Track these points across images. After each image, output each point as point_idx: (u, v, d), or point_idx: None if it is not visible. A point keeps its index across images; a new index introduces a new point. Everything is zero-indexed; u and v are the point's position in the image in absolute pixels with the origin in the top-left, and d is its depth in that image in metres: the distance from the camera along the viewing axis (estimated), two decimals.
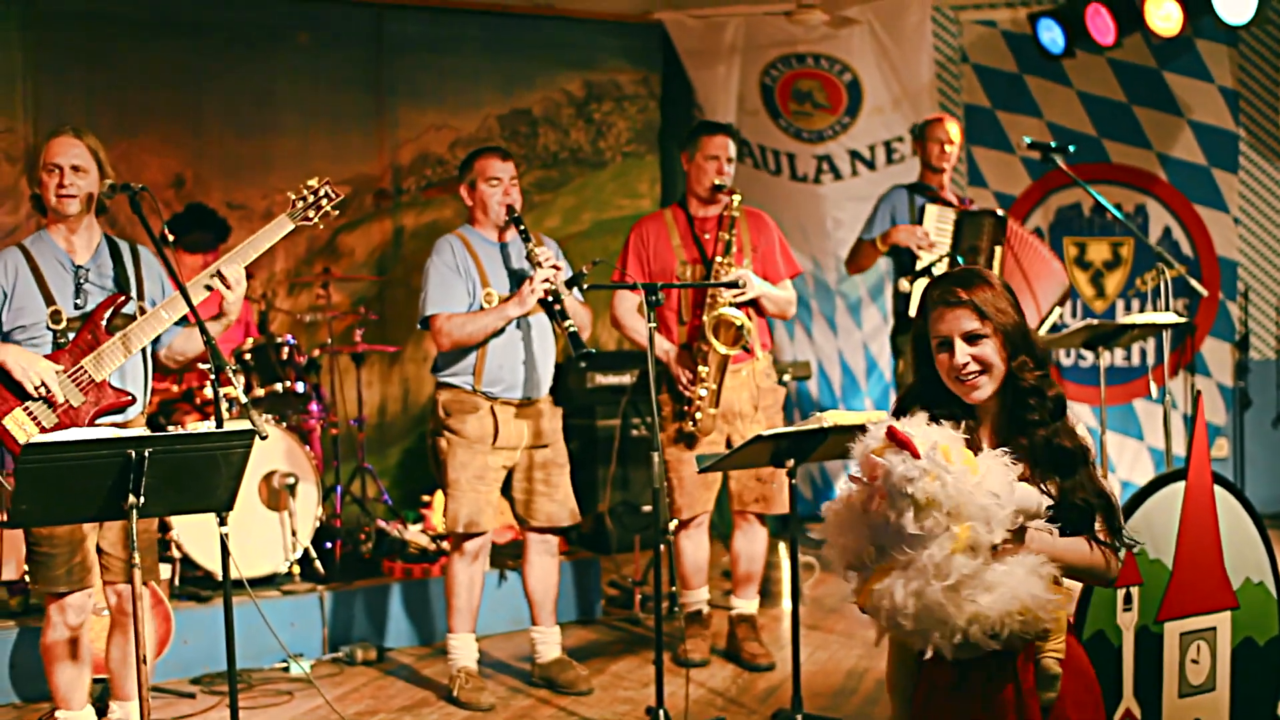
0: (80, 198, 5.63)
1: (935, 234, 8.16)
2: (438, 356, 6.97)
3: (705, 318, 7.12)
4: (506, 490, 7.00)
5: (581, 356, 6.56)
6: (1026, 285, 8.10)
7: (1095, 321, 7.62)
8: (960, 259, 7.91)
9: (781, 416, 7.56)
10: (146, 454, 4.57)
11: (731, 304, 7.10)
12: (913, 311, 8.12)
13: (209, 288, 5.56)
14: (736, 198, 7.27)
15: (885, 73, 10.61)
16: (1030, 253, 8.19)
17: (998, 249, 8.07)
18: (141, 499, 4.61)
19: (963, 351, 3.64)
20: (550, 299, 6.65)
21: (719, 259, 7.20)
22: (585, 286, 6.78)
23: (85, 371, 5.53)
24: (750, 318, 7.15)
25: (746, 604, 7.58)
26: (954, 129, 8.45)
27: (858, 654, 7.47)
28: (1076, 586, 3.88)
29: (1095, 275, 10.28)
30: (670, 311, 7.24)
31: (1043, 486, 3.57)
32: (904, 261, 8.28)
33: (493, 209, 6.92)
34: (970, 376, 3.65)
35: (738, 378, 7.31)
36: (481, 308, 6.80)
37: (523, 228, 6.82)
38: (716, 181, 7.31)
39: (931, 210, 8.24)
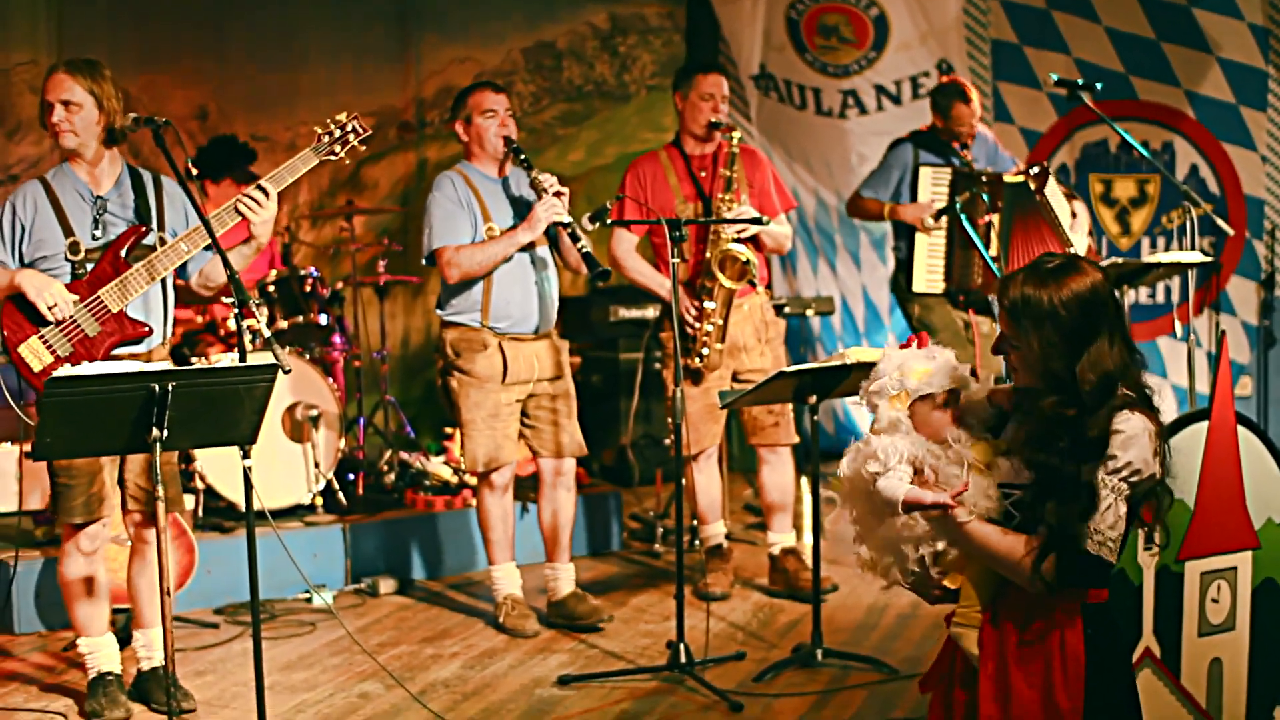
0: (75, 132, 5.64)
1: (931, 196, 8.14)
2: (441, 294, 6.97)
3: (710, 254, 7.12)
4: (521, 423, 7.02)
5: (598, 275, 6.59)
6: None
7: (1120, 260, 7.58)
8: (985, 196, 7.85)
9: (785, 348, 7.57)
10: (170, 388, 4.59)
11: (736, 239, 7.10)
12: (916, 281, 8.18)
13: (239, 211, 5.56)
14: (736, 134, 7.27)
15: (912, 7, 10.54)
16: (1032, 232, 8.08)
17: (995, 219, 7.98)
18: (165, 432, 4.63)
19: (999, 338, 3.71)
20: (562, 221, 6.65)
21: (721, 195, 7.19)
22: (610, 221, 6.77)
23: (102, 302, 5.54)
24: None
25: (785, 536, 7.59)
26: (976, 102, 8.38)
27: (877, 589, 7.47)
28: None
29: (1121, 212, 10.22)
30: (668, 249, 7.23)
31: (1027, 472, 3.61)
32: (908, 225, 8.26)
33: (489, 141, 6.89)
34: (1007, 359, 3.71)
35: (740, 312, 7.31)
36: (484, 241, 6.79)
37: (523, 156, 6.80)
38: (712, 119, 7.30)
39: (925, 174, 8.20)
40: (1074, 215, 8.12)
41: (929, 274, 8.18)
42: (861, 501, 3.76)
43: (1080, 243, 7.98)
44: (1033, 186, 7.93)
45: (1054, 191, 8.03)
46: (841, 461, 3.80)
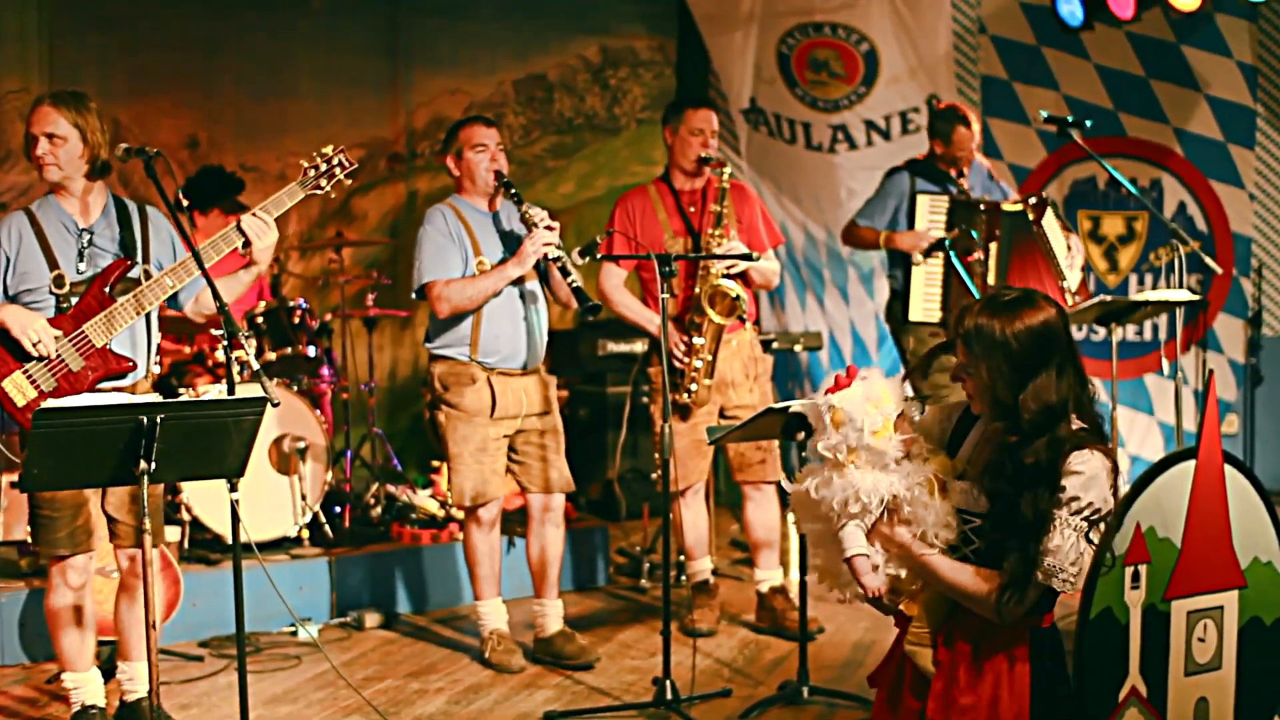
0: (58, 165, 5.64)
1: (930, 226, 8.13)
2: (430, 328, 6.97)
3: (699, 289, 7.12)
4: (509, 459, 7.00)
5: (588, 310, 6.59)
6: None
7: (1108, 298, 7.59)
8: (974, 233, 7.86)
9: (771, 384, 7.57)
10: (158, 420, 4.58)
11: (725, 275, 7.10)
12: (912, 310, 8.16)
13: (242, 231, 5.57)
14: (727, 170, 7.28)
15: (902, 43, 10.57)
16: (1030, 268, 8.08)
17: (993, 246, 7.99)
18: (153, 465, 4.63)
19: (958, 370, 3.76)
20: (552, 256, 6.66)
21: (710, 231, 7.19)
22: (600, 256, 6.77)
23: (87, 337, 5.54)
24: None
25: (772, 574, 7.57)
26: (976, 127, 8.37)
27: (864, 626, 7.47)
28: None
29: (1109, 249, 10.24)
30: (657, 284, 7.20)
31: (985, 501, 3.69)
32: (903, 253, 8.23)
33: (480, 176, 6.90)
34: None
35: (729, 348, 7.31)
36: (475, 275, 6.79)
37: (514, 191, 6.80)
38: (702, 154, 7.31)
39: (923, 201, 8.17)
40: (1069, 249, 8.12)
41: (925, 303, 8.16)
42: (820, 524, 3.85)
43: (1074, 278, 7.99)
44: (1031, 216, 7.95)
45: (1051, 223, 8.04)
46: (808, 482, 3.82)
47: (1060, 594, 3.68)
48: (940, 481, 3.75)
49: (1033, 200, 8.04)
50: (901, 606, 3.83)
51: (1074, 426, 3.68)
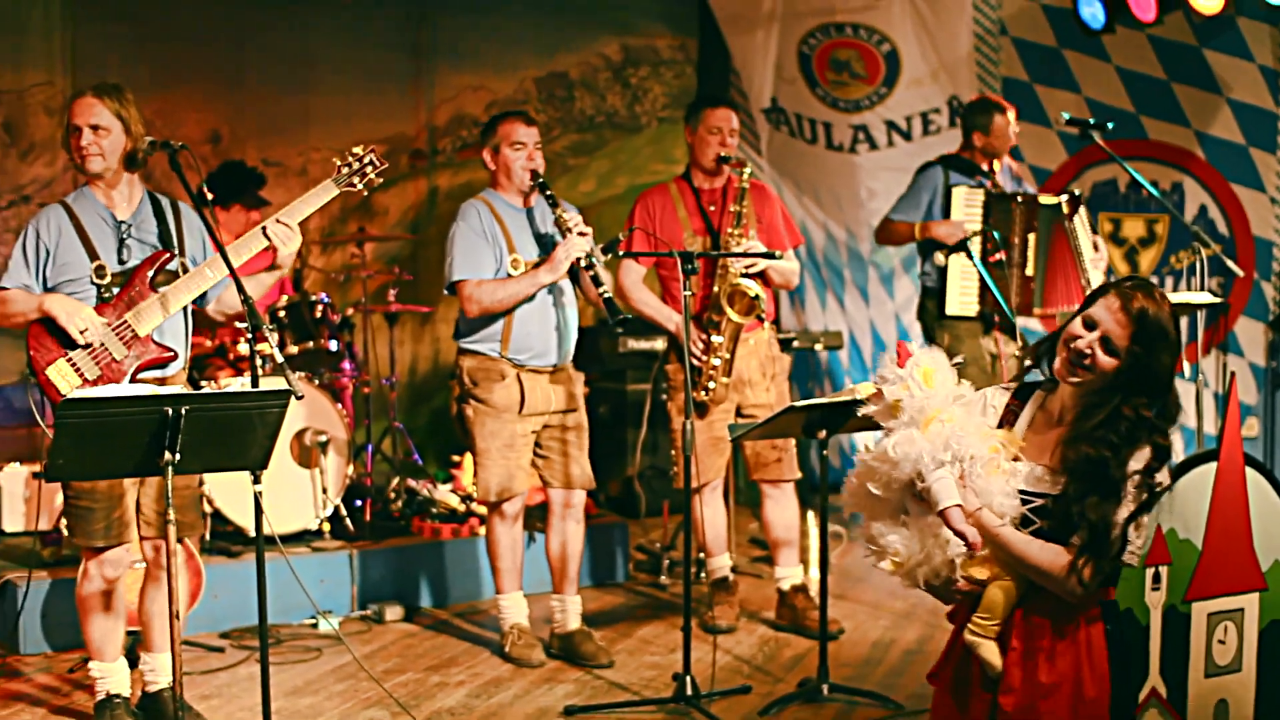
0: (102, 156, 5.67)
1: (965, 218, 8.09)
2: (459, 322, 6.97)
3: (718, 288, 7.13)
4: (533, 453, 7.02)
5: (619, 322, 6.56)
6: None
7: None
8: (996, 234, 7.86)
9: (791, 383, 7.56)
10: (184, 411, 4.62)
11: (744, 274, 7.11)
12: (949, 303, 8.10)
13: (267, 238, 5.60)
14: (748, 170, 7.28)
15: (924, 44, 10.57)
16: (1059, 263, 8.07)
17: (1031, 238, 7.98)
18: (178, 456, 4.66)
19: (1090, 342, 3.71)
20: (584, 264, 6.67)
21: (730, 230, 7.20)
22: (621, 253, 6.79)
23: (129, 326, 5.58)
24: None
25: (793, 571, 7.57)
26: (1012, 115, 8.36)
27: (884, 624, 7.49)
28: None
29: (1129, 252, 10.24)
30: (676, 282, 7.17)
31: (1051, 482, 3.70)
32: (936, 244, 8.18)
33: (516, 174, 6.90)
34: (1077, 361, 3.72)
35: (746, 346, 7.31)
36: (508, 274, 6.80)
37: (549, 193, 6.81)
38: (721, 154, 7.31)
39: (958, 193, 8.12)
40: (1096, 249, 8.12)
41: (963, 296, 8.10)
42: (891, 492, 3.80)
43: (1096, 279, 7.99)
44: (1065, 210, 7.96)
45: (1082, 221, 8.04)
46: (886, 442, 3.80)
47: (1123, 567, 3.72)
48: (1008, 452, 3.74)
49: (1066, 196, 8.04)
50: (974, 569, 3.77)
51: None
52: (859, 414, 3.95)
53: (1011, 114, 8.29)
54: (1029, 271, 7.90)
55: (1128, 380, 3.66)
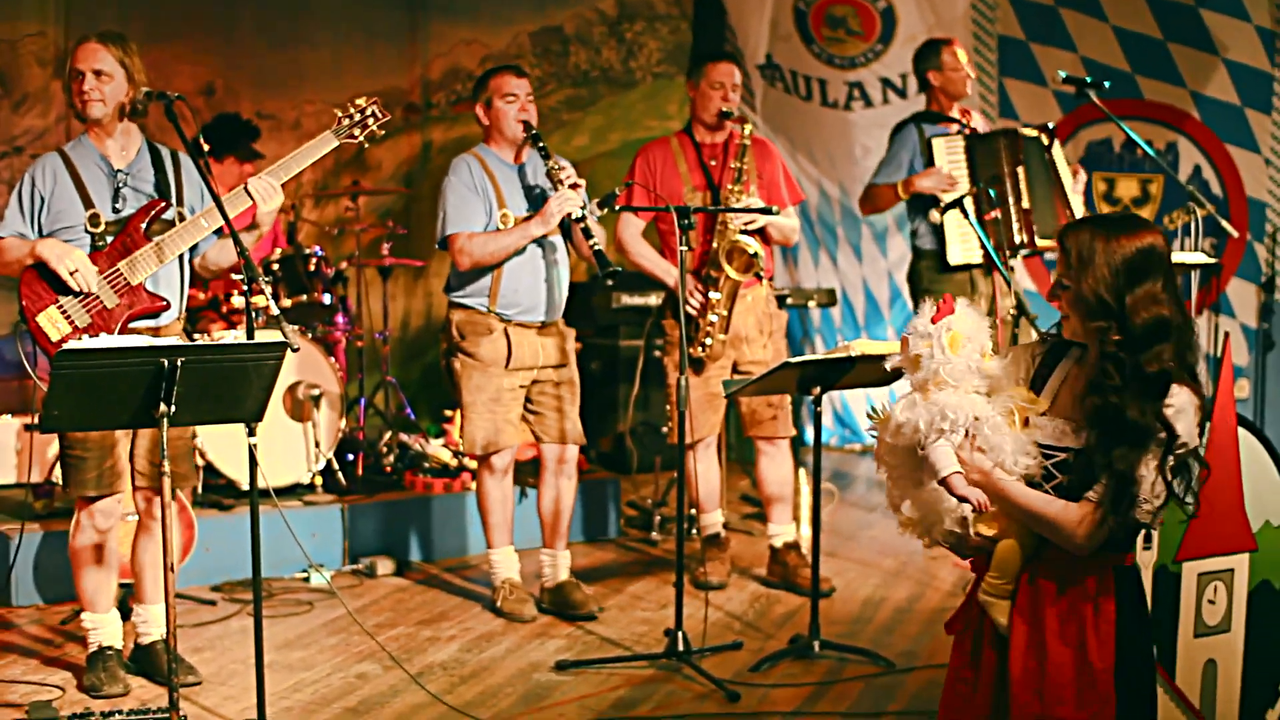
0: (104, 102, 5.65)
1: (949, 166, 7.99)
2: (450, 276, 6.97)
3: (717, 244, 7.12)
4: (524, 409, 7.03)
5: (608, 274, 6.55)
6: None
7: None
8: (992, 191, 7.81)
9: (785, 341, 7.56)
10: (179, 363, 4.61)
11: (743, 231, 7.10)
12: (952, 254, 8.00)
13: (249, 195, 5.58)
14: (749, 126, 7.25)
15: (920, 2, 10.56)
16: (1049, 192, 8.01)
17: (1020, 171, 7.90)
18: (172, 408, 4.65)
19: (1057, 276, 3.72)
20: (575, 216, 6.65)
21: (730, 186, 7.18)
22: (618, 208, 6.78)
23: (121, 275, 5.57)
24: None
25: (785, 529, 7.57)
26: (961, 51, 8.27)
27: (875, 582, 7.51)
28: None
29: (1123, 211, 10.25)
30: (674, 237, 7.13)
31: (1074, 435, 3.64)
32: (925, 200, 8.07)
33: (509, 126, 6.88)
34: (1054, 296, 3.74)
35: (744, 303, 7.30)
36: (498, 229, 6.80)
37: (541, 145, 6.79)
38: (723, 108, 7.28)
39: (939, 144, 7.98)
40: (1075, 175, 8.05)
41: (964, 243, 7.97)
42: (904, 455, 3.79)
43: (1077, 205, 7.94)
44: (1045, 142, 7.92)
45: (1059, 153, 8.00)
46: (894, 408, 3.79)
47: (1139, 527, 3.65)
48: (1023, 412, 3.72)
49: (1040, 127, 8.00)
50: (982, 527, 3.76)
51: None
52: (887, 367, 3.92)
53: (959, 48, 8.21)
54: (1025, 204, 7.82)
55: (1090, 311, 3.61)
